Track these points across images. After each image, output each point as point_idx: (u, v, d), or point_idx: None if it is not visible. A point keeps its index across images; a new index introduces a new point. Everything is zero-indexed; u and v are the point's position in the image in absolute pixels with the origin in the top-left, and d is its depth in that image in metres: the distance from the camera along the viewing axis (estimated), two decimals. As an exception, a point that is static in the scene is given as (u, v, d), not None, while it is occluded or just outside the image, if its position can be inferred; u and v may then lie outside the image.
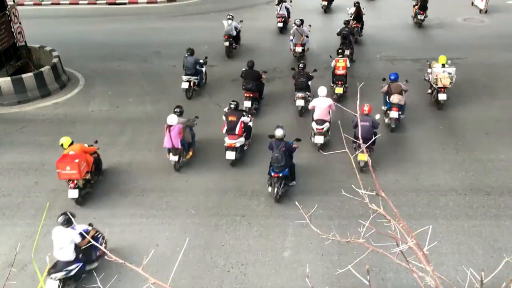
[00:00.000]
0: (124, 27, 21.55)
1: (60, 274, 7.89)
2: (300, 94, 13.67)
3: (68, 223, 7.93)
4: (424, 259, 2.88)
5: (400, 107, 12.66)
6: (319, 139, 11.86)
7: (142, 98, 15.19)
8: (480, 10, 21.68)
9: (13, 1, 16.97)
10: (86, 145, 10.85)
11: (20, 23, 16.63)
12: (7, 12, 15.91)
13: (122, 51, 18.73)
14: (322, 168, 11.36)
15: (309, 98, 13.58)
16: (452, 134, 12.62)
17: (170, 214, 10.17)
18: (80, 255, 8.18)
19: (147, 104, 14.82)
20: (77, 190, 10.17)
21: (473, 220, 9.70)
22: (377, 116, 11.17)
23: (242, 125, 11.67)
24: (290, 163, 10.42)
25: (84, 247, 8.07)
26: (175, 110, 11.90)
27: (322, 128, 11.86)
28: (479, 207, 10.04)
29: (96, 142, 11.23)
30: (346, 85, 14.56)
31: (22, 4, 25.02)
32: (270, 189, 10.49)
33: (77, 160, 9.91)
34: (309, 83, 13.77)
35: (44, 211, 10.30)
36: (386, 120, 13.05)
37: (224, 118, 11.97)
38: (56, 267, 7.96)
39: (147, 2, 25.48)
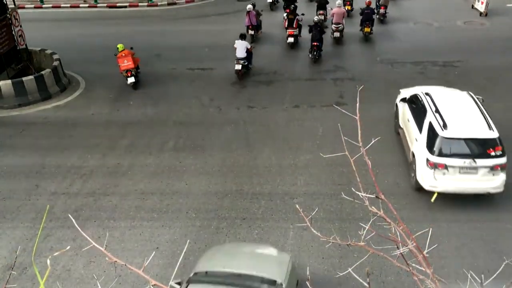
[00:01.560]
0: (125, 30, 21.58)
1: (241, 61, 15.93)
2: (320, 11, 20.45)
3: (244, 38, 16.37)
4: (424, 262, 2.88)
5: (386, 7, 21.07)
6: (337, 34, 18.93)
7: (143, 101, 15.21)
8: (480, 13, 21.71)
9: (14, 4, 17.01)
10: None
11: (21, 26, 16.67)
12: (8, 15, 15.96)
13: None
14: (322, 171, 11.37)
15: (330, 8, 20.30)
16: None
17: (171, 217, 10.17)
18: (247, 57, 16.28)
19: (148, 107, 14.84)
20: (133, 77, 15.59)
21: (474, 223, 9.68)
22: (373, 5, 19.81)
23: (297, 22, 18.63)
24: (322, 39, 17.28)
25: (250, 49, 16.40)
26: (251, 3, 19.61)
27: (338, 27, 18.80)
28: (480, 210, 10.03)
29: (131, 48, 16.00)
30: (352, 6, 22.29)
31: (23, 7, 25.08)
32: (310, 55, 17.41)
33: (130, 56, 15.52)
34: (327, 5, 20.80)
35: (44, 214, 10.33)
36: (378, 16, 21.03)
37: (285, 16, 19.28)
38: (238, 59, 15.93)
39: (148, 6, 25.54)
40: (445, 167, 9.67)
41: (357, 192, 3.19)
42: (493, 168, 9.66)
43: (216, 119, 14.00)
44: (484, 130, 9.81)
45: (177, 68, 17.52)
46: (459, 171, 9.70)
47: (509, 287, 2.99)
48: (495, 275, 3.36)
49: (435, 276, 2.90)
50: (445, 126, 9.81)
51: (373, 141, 3.60)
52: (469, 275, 3.38)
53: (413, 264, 3.02)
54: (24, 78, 15.22)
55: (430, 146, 9.88)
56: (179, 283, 7.17)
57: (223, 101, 14.93)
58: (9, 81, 15.01)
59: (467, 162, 9.59)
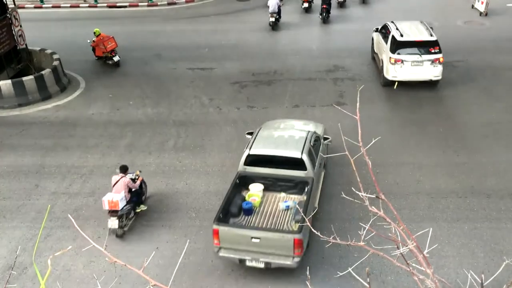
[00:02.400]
0: (125, 30, 21.57)
1: (274, 15, 20.19)
2: None
3: None
4: (424, 261, 2.88)
5: None
6: None
7: (143, 101, 15.21)
8: (480, 13, 21.69)
9: (14, 4, 17.00)
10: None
11: (21, 26, 16.66)
12: (8, 15, 15.96)
13: (123, 54, 18.73)
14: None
15: None
16: (453, 136, 12.63)
17: (171, 217, 10.17)
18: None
19: (148, 107, 14.83)
20: (117, 56, 17.36)
21: (474, 222, 9.68)
22: None
23: None
24: (330, 3, 21.23)
25: None
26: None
27: None
28: (480, 209, 10.03)
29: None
30: None
31: (23, 7, 25.07)
32: (320, 16, 21.24)
33: (111, 37, 17.44)
34: None
35: (44, 213, 10.32)
36: None
37: None
38: (272, 13, 20.13)
39: (148, 5, 25.52)
40: (402, 61, 14.37)
41: (357, 192, 3.19)
42: (433, 61, 14.30)
43: (216, 119, 13.99)
44: (427, 36, 14.65)
45: (177, 68, 17.51)
46: (411, 64, 14.37)
47: (509, 287, 2.99)
48: (495, 275, 3.36)
49: (435, 276, 2.90)
50: (401, 35, 14.68)
51: (373, 141, 3.59)
52: (469, 275, 3.38)
53: (413, 264, 3.02)
54: (24, 78, 15.21)
55: (392, 49, 14.61)
56: (250, 133, 10.94)
57: (223, 101, 14.93)
58: (9, 81, 15.00)
59: (416, 57, 14.28)
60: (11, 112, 14.80)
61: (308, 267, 8.64)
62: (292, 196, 9.60)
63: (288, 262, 8.22)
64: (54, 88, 15.75)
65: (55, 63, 16.17)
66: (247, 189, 9.68)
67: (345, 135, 3.62)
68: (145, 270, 2.71)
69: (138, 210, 10.05)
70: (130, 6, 25.63)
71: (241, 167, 9.83)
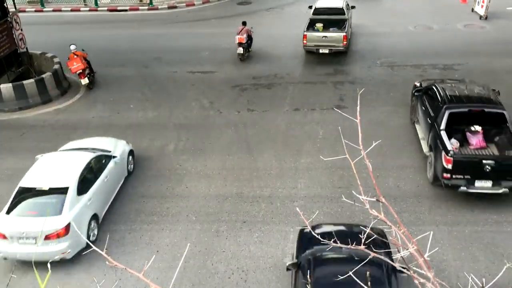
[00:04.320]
0: (125, 34, 21.63)
1: None
2: None
3: None
4: (425, 265, 2.88)
5: None
6: None
7: (143, 104, 15.22)
8: (480, 17, 21.72)
9: (15, 7, 17.06)
10: None
11: (21, 29, 16.71)
12: (8, 18, 16.00)
13: (123, 57, 18.78)
14: (322, 174, 11.37)
15: None
16: (453, 140, 12.61)
17: (171, 220, 10.17)
18: None
19: (148, 110, 14.84)
20: None
21: (475, 226, 9.67)
22: None
23: None
24: None
25: None
26: None
27: None
28: (481, 213, 10.02)
29: None
30: None
31: (24, 11, 25.11)
32: None
33: None
34: None
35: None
36: None
37: None
38: None
39: (148, 9, 25.58)
40: None
41: (357, 195, 3.19)
42: None
43: (216, 122, 14.01)
44: None
45: (178, 71, 17.53)
46: None
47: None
48: (496, 278, 3.36)
49: (435, 280, 2.90)
50: None
51: (373, 144, 3.59)
52: (470, 279, 3.38)
53: (414, 267, 3.02)
54: (24, 82, 15.23)
55: None
56: (310, 6, 19.06)
57: (223, 104, 14.94)
58: (9, 84, 15.03)
59: None
60: (12, 115, 14.82)
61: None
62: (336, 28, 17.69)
63: (340, 48, 17.09)
64: (54, 92, 15.78)
65: (56, 66, 16.21)
66: (315, 25, 17.77)
67: (345, 138, 3.63)
68: (145, 273, 2.70)
69: (250, 50, 18.10)
70: (131, 9, 25.69)
71: (311, 15, 18.39)
